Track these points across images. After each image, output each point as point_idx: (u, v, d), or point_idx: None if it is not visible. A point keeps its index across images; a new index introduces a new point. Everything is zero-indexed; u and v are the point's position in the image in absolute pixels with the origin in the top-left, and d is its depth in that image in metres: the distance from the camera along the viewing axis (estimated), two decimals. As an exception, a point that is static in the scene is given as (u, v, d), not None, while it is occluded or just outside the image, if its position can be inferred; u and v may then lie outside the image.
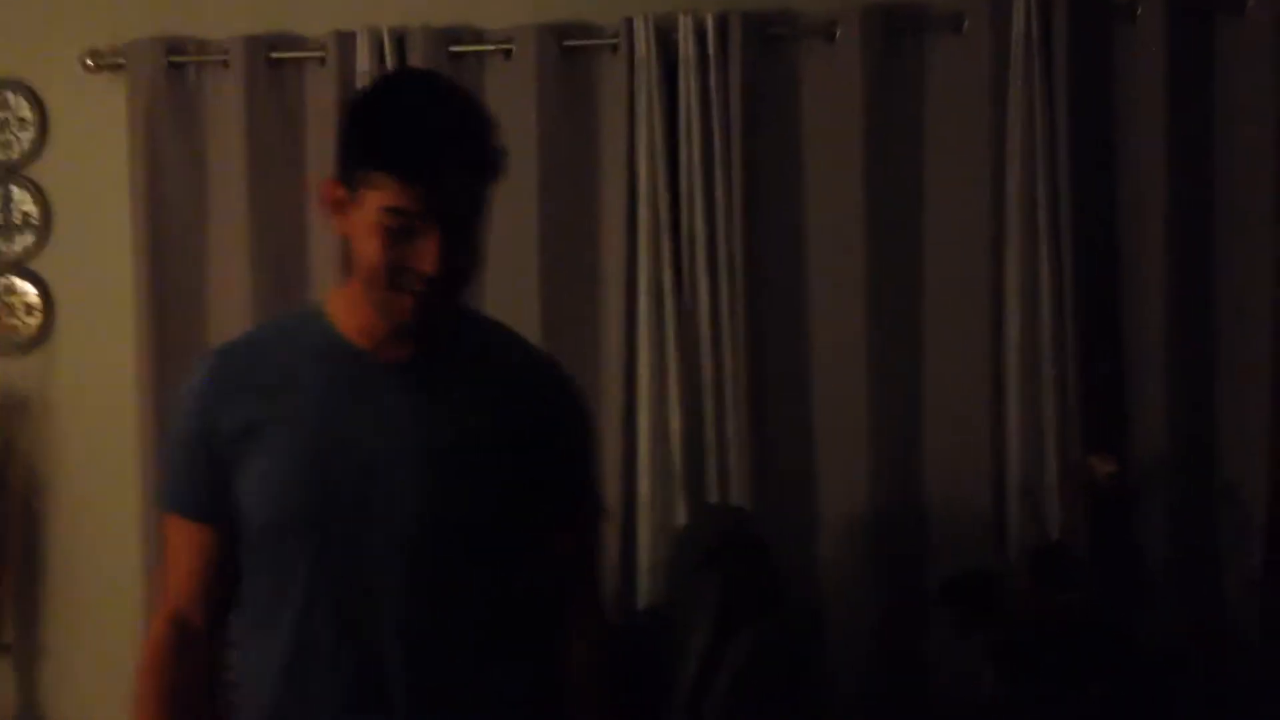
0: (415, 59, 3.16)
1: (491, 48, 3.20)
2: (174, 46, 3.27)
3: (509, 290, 3.18)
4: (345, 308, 1.59)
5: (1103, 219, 3.08)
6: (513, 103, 3.15)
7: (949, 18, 3.07)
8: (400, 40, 3.18)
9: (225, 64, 3.25)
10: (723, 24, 3.08)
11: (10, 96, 3.44)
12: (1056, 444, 3.02)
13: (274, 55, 3.24)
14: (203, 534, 1.60)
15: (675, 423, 3.14)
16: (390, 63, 3.16)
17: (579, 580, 1.76)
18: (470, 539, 1.59)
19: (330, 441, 1.53)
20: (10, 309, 3.47)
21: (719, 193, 3.10)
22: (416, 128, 1.45)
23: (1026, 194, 3.02)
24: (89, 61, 3.34)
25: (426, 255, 1.43)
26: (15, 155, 3.44)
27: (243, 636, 1.64)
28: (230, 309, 3.24)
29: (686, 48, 3.09)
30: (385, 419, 1.55)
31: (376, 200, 1.43)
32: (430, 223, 1.43)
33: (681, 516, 3.14)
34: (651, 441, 3.16)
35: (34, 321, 3.47)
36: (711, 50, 3.07)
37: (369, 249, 1.45)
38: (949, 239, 3.11)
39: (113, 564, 3.36)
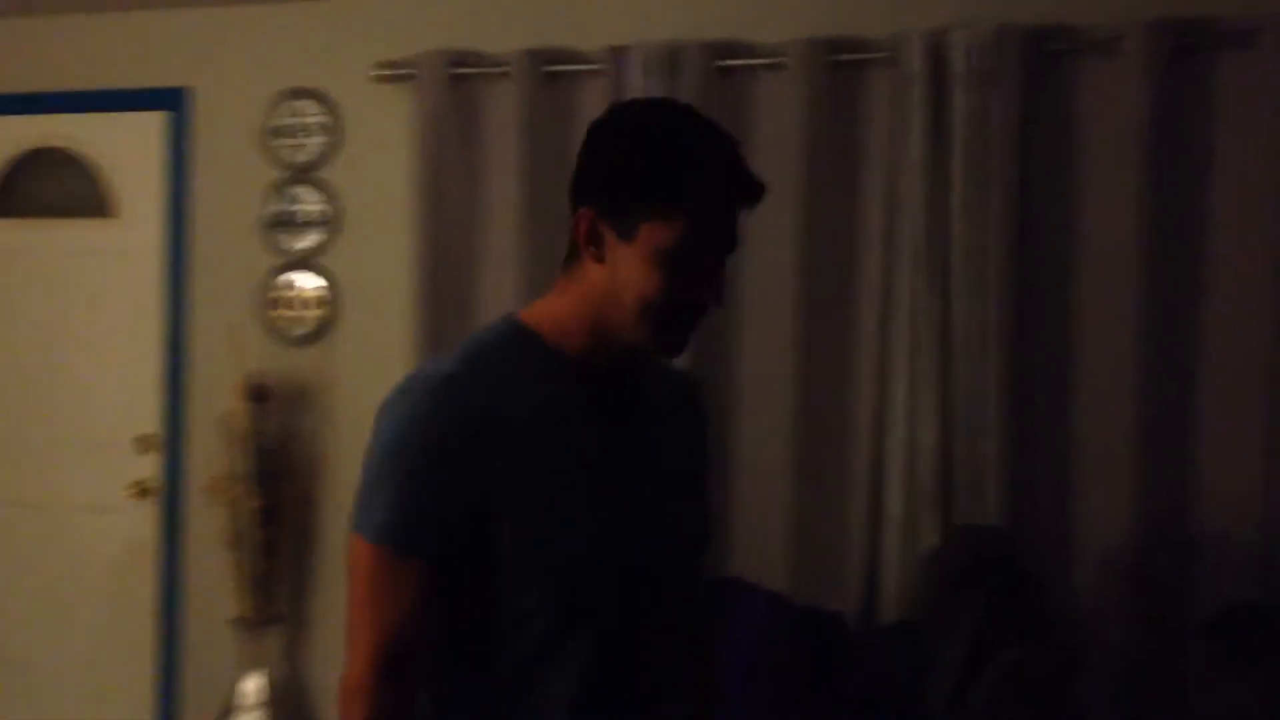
0: (687, 72, 3.25)
1: (763, 62, 3.25)
2: (458, 59, 3.45)
3: (769, 301, 3.23)
4: (563, 329, 1.53)
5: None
6: (782, 116, 3.22)
7: (1241, 33, 2.95)
8: (673, 54, 3.26)
9: (505, 75, 3.40)
10: (999, 40, 3.04)
11: (306, 104, 3.68)
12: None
13: (551, 68, 3.38)
14: (425, 571, 1.45)
15: (927, 440, 3.11)
16: (663, 76, 3.25)
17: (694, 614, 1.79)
18: (694, 562, 1.72)
19: (600, 500, 1.52)
20: (298, 302, 3.70)
21: (987, 210, 3.06)
22: (721, 172, 1.47)
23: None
24: (379, 72, 3.55)
25: (714, 288, 1.46)
26: (308, 158, 3.68)
27: (474, 676, 1.53)
28: (501, 310, 3.33)
29: (960, 62, 3.06)
30: (634, 458, 1.57)
31: (662, 234, 1.43)
32: (716, 255, 1.47)
33: (931, 535, 3.11)
34: (902, 458, 3.14)
35: (317, 314, 3.69)
36: (986, 66, 3.04)
37: (647, 282, 1.44)
38: (1232, 260, 2.99)
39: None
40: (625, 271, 1.46)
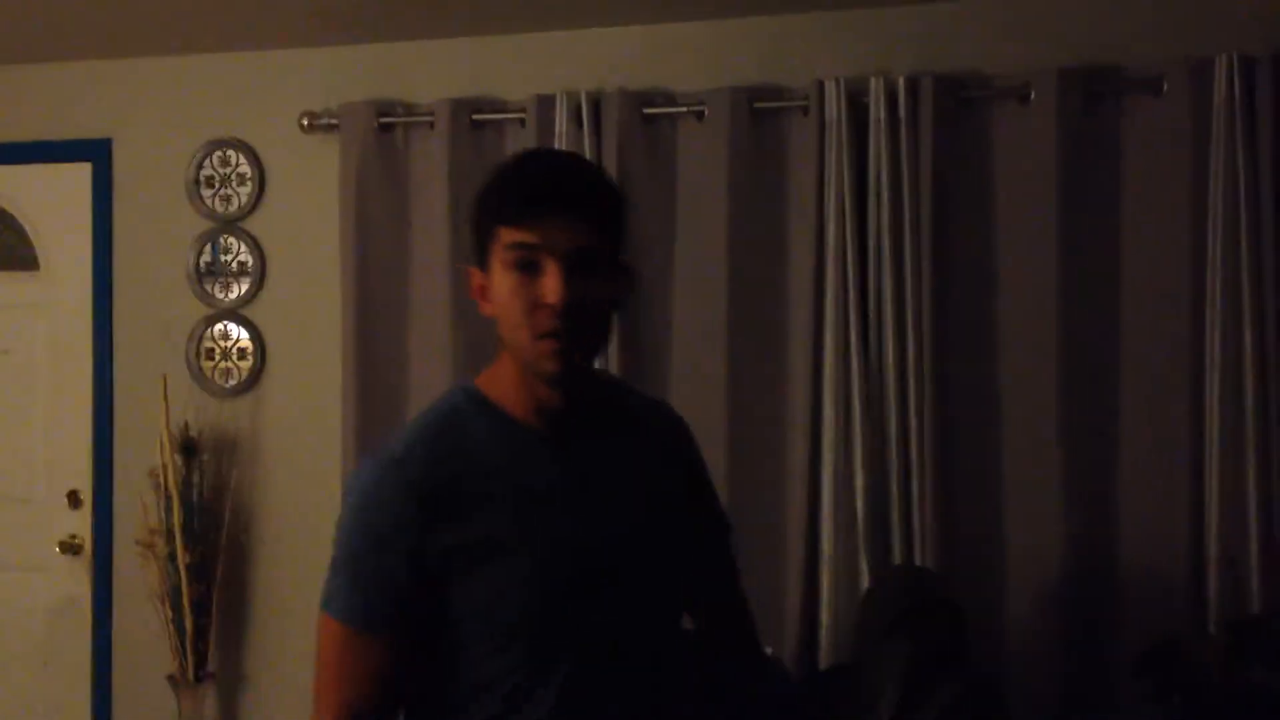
0: (611, 120, 3.27)
1: (684, 109, 3.29)
2: (384, 109, 3.46)
3: (696, 346, 3.26)
4: (502, 389, 1.62)
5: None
6: (704, 163, 3.26)
7: (1148, 80, 3.03)
8: (596, 103, 3.30)
9: (431, 125, 3.42)
10: (914, 86, 3.10)
11: (232, 155, 3.67)
12: (1259, 515, 2.93)
13: (477, 117, 3.40)
14: (389, 643, 1.56)
15: (860, 480, 3.15)
16: (587, 123, 3.28)
17: (735, 592, 1.94)
18: (672, 585, 1.74)
19: (560, 542, 1.58)
20: (226, 353, 3.68)
21: (908, 253, 3.11)
22: (526, 176, 1.58)
23: (1229, 259, 2.95)
24: (305, 122, 3.55)
25: (549, 286, 1.50)
26: (234, 209, 3.67)
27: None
28: (431, 358, 3.38)
29: (878, 110, 3.12)
30: (589, 498, 1.62)
31: (498, 251, 1.54)
32: (548, 256, 1.51)
33: (864, 574, 3.15)
34: (835, 498, 3.17)
35: (246, 366, 3.68)
36: (903, 113, 3.10)
37: (504, 296, 1.54)
38: (1147, 303, 3.06)
39: (313, 598, 3.50)
40: (497, 303, 1.56)
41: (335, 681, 1.57)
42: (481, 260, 1.59)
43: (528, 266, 1.52)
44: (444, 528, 1.53)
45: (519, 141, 3.34)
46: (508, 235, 1.52)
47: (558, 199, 1.54)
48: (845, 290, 3.16)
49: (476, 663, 1.57)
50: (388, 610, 1.54)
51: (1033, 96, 3.07)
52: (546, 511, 1.58)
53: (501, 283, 1.54)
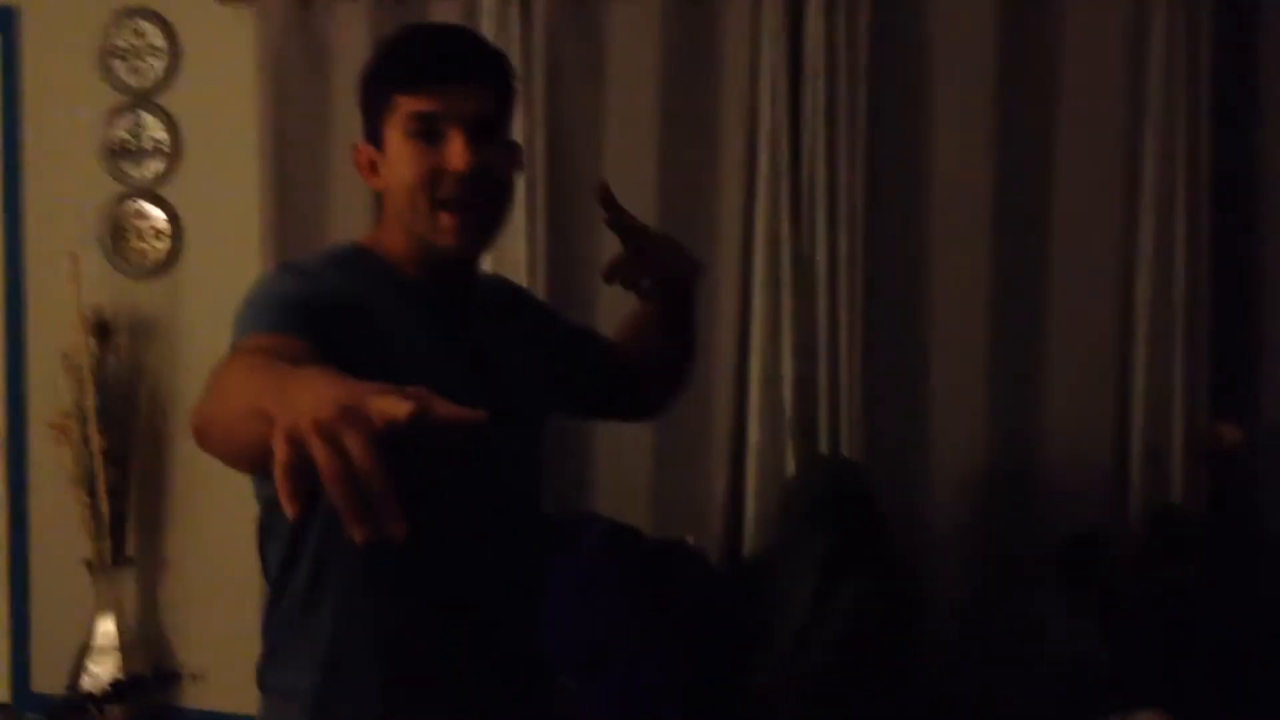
0: (541, -2, 3.15)
1: (616, -13, 3.17)
2: (303, -20, 3.30)
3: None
4: (389, 248, 1.54)
5: (1241, 179, 2.95)
6: (635, 44, 3.16)
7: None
8: (524, -23, 3.17)
9: (353, -1, 3.27)
10: (852, -35, 3.00)
11: (144, 25, 3.52)
12: (1184, 408, 2.93)
13: (400, -10, 3.25)
14: (301, 345, 1.29)
15: (788, 370, 3.12)
16: (517, 2, 3.16)
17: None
18: (538, 446, 1.70)
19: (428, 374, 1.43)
20: (140, 233, 3.57)
21: (841, 140, 3.04)
22: (424, 43, 1.55)
23: (1164, 150, 2.91)
24: (220, -8, 3.40)
25: (454, 152, 1.46)
26: (147, 83, 3.53)
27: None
28: (350, 236, 3.27)
29: (812, -13, 3.03)
30: (464, 352, 1.56)
31: (394, 123, 1.49)
32: (452, 123, 1.47)
33: (791, 465, 3.13)
34: (763, 388, 3.14)
35: (162, 246, 3.57)
36: (838, -10, 3.01)
37: (403, 168, 1.48)
38: (1080, 193, 3.01)
39: (233, 481, 3.45)
40: (390, 175, 1.51)
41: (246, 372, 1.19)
42: (373, 133, 1.54)
43: (428, 135, 1.47)
44: (352, 337, 1.38)
45: (445, 15, 3.20)
46: (407, 104, 1.48)
47: (460, 66, 1.50)
48: (777, 178, 3.09)
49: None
50: (299, 319, 1.35)
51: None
52: (427, 362, 1.49)
53: (399, 153, 1.49)
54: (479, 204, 1.50)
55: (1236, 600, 2.73)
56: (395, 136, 1.50)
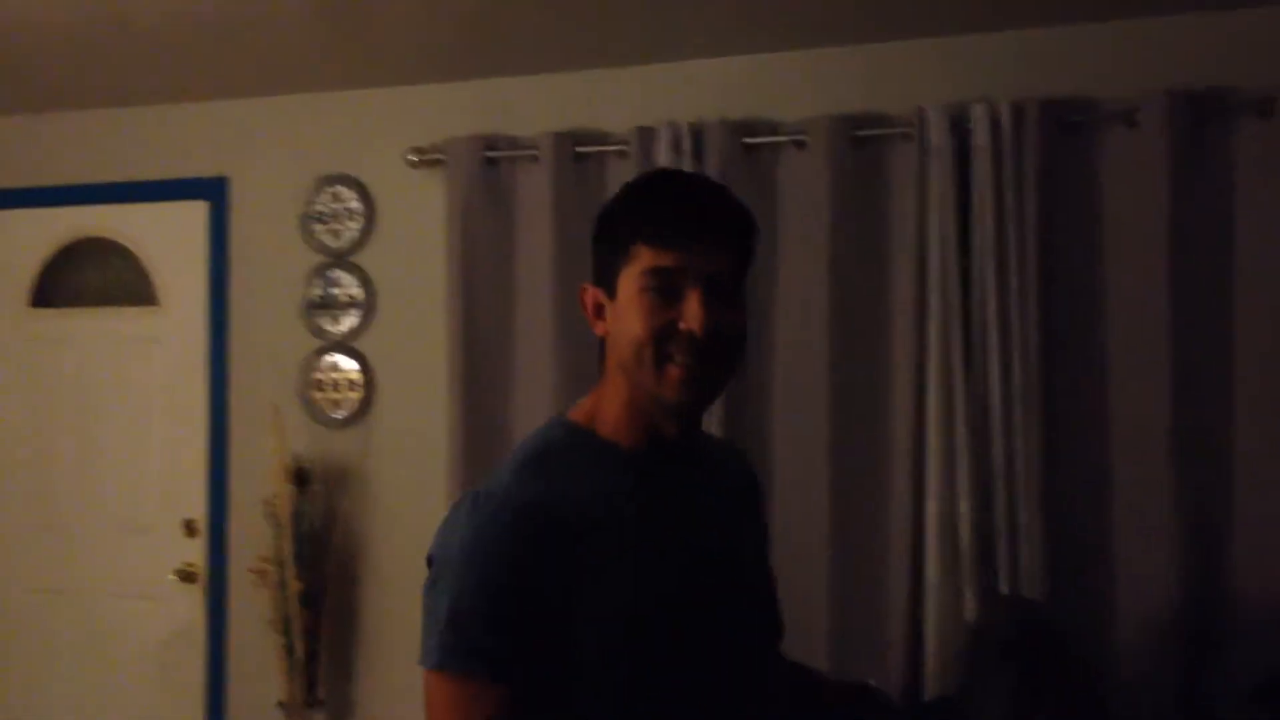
0: (712, 151, 3.29)
1: (786, 139, 3.30)
2: (489, 143, 3.53)
3: (799, 375, 3.25)
4: (603, 416, 1.55)
5: None
6: (806, 192, 3.26)
7: (1259, 101, 2.96)
8: (697, 133, 3.32)
9: (535, 158, 3.47)
10: (1018, 113, 3.07)
11: (342, 190, 3.77)
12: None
13: (579, 149, 3.44)
14: (505, 694, 1.41)
15: (965, 509, 3.11)
16: (688, 153, 3.31)
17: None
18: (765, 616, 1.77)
19: (663, 561, 1.51)
20: (335, 385, 3.77)
21: (1013, 280, 3.07)
22: (671, 196, 1.52)
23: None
24: (412, 157, 3.63)
25: (691, 312, 1.44)
26: (344, 244, 3.77)
27: None
28: (534, 387, 3.43)
29: (980, 136, 3.09)
30: (691, 522, 1.56)
31: (632, 274, 1.47)
32: (691, 281, 1.45)
33: (969, 605, 3.10)
34: (940, 529, 3.12)
35: (356, 396, 3.75)
36: (1006, 139, 3.07)
37: (633, 323, 1.47)
38: (1261, 326, 2.98)
39: (419, 625, 3.56)
40: (619, 325, 1.50)
41: None
42: (605, 278, 1.53)
43: (665, 291, 1.46)
44: (565, 564, 1.42)
45: (621, 173, 3.36)
46: (649, 257, 1.46)
47: (705, 222, 1.49)
48: (948, 318, 3.12)
49: (582, 692, 1.45)
50: (509, 656, 1.40)
51: (1140, 119, 3.02)
52: (651, 536, 1.50)
53: (632, 304, 1.48)
54: (711, 361, 1.48)
55: None
56: (630, 287, 1.48)
